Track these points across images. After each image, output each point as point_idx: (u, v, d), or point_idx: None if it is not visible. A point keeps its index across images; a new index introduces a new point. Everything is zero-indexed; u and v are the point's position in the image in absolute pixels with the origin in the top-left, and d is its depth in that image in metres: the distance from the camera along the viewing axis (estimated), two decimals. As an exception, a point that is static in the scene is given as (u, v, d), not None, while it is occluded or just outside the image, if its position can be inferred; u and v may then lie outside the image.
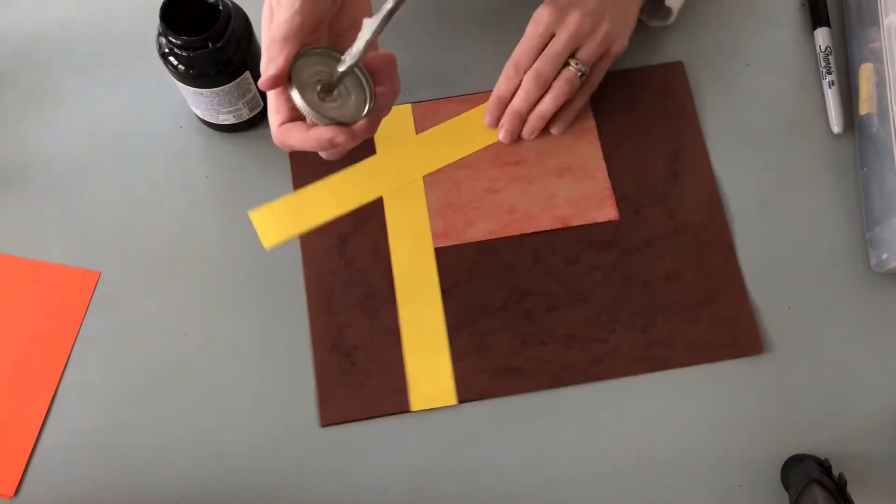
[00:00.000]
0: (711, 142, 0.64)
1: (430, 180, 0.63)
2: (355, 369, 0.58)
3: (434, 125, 0.64)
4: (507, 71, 0.62)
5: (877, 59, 0.61)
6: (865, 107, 0.62)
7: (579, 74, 0.61)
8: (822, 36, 0.66)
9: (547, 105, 0.62)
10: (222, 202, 0.62)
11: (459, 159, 0.63)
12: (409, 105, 0.64)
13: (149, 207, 0.62)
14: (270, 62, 0.46)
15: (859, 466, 0.56)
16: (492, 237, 0.61)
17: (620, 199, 0.62)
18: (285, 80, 0.47)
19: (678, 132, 0.64)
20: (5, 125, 0.64)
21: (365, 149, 0.63)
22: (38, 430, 0.57)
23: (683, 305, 0.59)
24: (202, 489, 0.56)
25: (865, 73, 0.63)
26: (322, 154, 0.50)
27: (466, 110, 0.64)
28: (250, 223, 0.61)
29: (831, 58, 0.65)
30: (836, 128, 0.64)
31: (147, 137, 0.64)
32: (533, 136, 0.63)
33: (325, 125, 0.47)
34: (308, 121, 0.48)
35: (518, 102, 0.62)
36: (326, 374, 0.58)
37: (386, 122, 0.63)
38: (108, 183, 0.63)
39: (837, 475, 0.52)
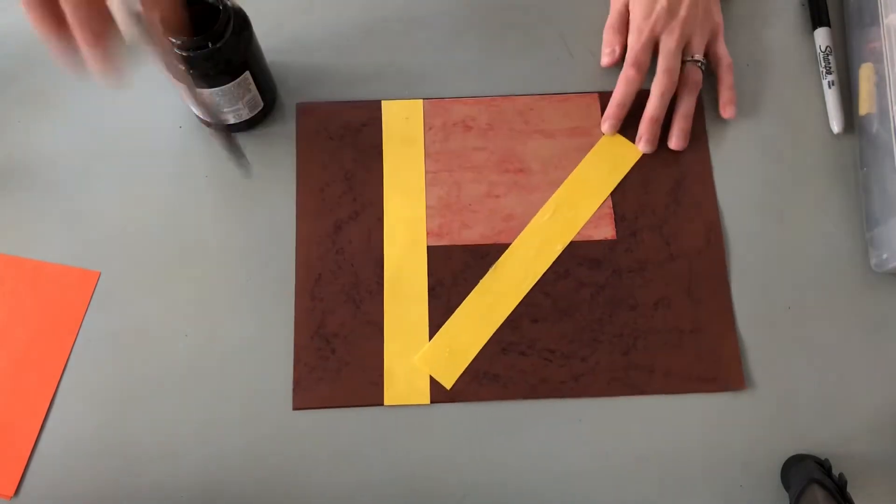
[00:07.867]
0: (711, 141, 0.64)
1: (433, 179, 0.62)
2: (334, 356, 0.58)
3: (443, 123, 0.64)
4: (628, 73, 0.62)
5: (877, 59, 0.61)
6: (865, 107, 0.62)
7: (699, 65, 0.62)
8: (822, 36, 0.66)
9: (688, 103, 0.62)
10: (222, 202, 0.62)
11: (465, 161, 0.63)
12: (421, 101, 0.64)
13: (149, 207, 0.62)
14: None
15: (859, 466, 0.56)
16: (485, 242, 0.61)
17: (619, 219, 0.61)
18: None
19: (685, 157, 0.63)
20: (5, 125, 0.64)
21: (372, 153, 0.63)
22: (38, 430, 0.57)
23: (668, 333, 0.59)
24: (203, 489, 0.56)
25: (865, 73, 0.63)
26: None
27: (476, 111, 0.64)
28: (250, 223, 0.61)
29: (831, 58, 0.65)
30: (836, 128, 0.64)
31: (147, 137, 0.64)
32: (686, 144, 0.62)
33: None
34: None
35: (654, 110, 0.62)
36: (304, 358, 0.58)
37: (396, 116, 0.63)
38: (109, 182, 0.63)
39: (837, 475, 0.52)
